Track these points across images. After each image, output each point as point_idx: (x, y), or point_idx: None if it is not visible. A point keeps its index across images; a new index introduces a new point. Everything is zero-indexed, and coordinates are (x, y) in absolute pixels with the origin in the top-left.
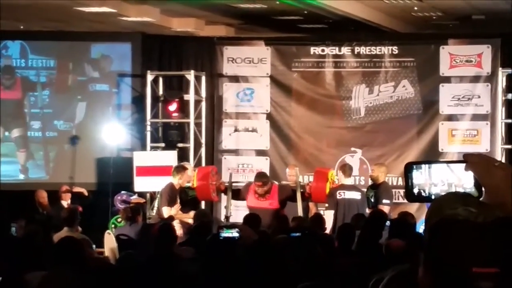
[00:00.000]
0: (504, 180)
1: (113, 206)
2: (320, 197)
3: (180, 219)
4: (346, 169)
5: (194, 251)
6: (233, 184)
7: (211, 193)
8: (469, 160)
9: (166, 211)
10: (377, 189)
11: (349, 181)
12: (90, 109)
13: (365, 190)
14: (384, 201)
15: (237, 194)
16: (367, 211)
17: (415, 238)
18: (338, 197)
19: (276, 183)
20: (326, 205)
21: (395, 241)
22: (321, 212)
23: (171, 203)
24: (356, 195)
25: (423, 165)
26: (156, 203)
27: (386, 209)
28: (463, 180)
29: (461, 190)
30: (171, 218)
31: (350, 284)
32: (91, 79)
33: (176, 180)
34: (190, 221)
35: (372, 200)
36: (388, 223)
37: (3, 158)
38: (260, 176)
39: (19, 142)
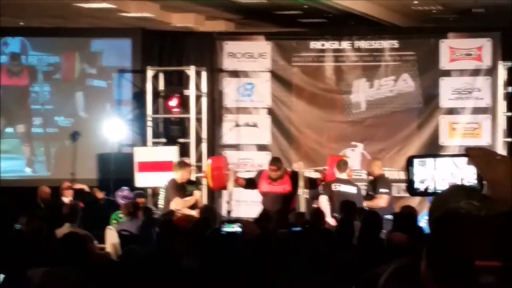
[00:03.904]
0: (506, 174)
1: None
2: None
3: (184, 212)
4: (341, 165)
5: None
6: (243, 174)
7: (226, 182)
8: (471, 154)
9: (176, 203)
10: (375, 181)
11: (344, 176)
12: (91, 105)
13: (362, 184)
14: (381, 190)
15: (250, 183)
16: (365, 204)
17: (417, 232)
18: (333, 189)
19: (289, 169)
20: (321, 191)
21: (397, 235)
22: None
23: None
24: (351, 189)
25: (427, 159)
26: (160, 201)
27: (384, 198)
28: (467, 174)
29: (465, 184)
30: (172, 212)
31: (352, 278)
32: (90, 75)
33: (178, 175)
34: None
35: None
36: (390, 216)
37: (5, 154)
38: (275, 160)
39: (23, 137)
